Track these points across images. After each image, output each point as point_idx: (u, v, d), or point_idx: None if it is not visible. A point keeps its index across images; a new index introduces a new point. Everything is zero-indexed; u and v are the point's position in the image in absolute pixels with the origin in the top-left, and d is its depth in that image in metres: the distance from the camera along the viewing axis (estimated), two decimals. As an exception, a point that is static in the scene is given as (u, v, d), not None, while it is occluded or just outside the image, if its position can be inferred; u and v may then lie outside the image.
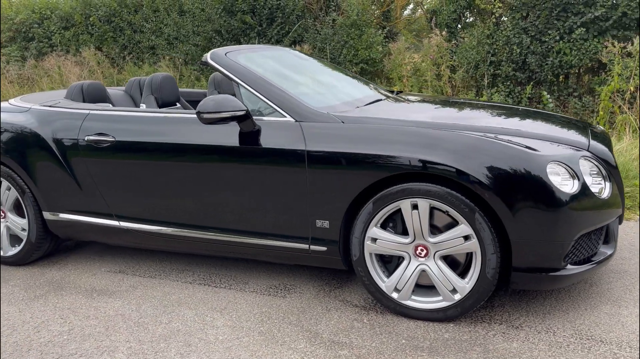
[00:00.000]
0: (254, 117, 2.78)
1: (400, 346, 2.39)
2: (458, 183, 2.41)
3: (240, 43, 9.27)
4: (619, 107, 6.40)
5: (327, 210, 2.65)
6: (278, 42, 9.11)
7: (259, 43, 9.14)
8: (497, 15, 7.75)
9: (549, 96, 6.96)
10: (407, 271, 2.58)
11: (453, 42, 7.58)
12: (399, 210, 2.55)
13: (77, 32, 11.00)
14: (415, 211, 2.48)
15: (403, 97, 3.56)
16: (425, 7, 8.43)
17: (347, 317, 2.67)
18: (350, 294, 2.92)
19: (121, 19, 10.49)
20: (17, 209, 3.50)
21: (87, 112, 3.22)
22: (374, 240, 2.60)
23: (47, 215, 3.35)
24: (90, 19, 10.63)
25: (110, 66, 10.17)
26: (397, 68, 7.77)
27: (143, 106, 3.56)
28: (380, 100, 3.28)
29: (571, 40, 7.33)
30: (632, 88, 6.68)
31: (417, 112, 3.13)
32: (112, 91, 3.97)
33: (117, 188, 3.11)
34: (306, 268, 3.25)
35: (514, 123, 2.88)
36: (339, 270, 3.16)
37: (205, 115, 2.66)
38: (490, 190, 2.34)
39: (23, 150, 3.29)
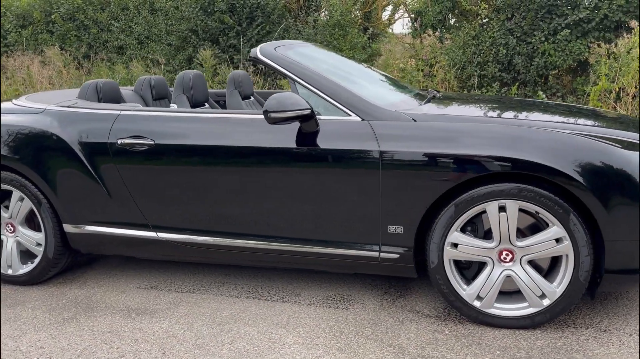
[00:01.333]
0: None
1: (496, 357, 2.25)
2: (550, 183, 2.30)
3: (218, 43, 8.95)
4: (614, 107, 6.56)
5: (402, 215, 2.48)
6: (258, 42, 8.85)
7: (238, 43, 8.86)
8: (482, 16, 7.80)
9: (544, 96, 7.06)
10: (491, 278, 2.44)
11: (446, 42, 7.57)
12: (479, 213, 2.41)
13: (35, 30, 10.33)
14: (503, 213, 2.35)
15: (445, 95, 3.43)
16: (409, 7, 8.38)
17: (425, 328, 2.51)
18: (416, 303, 2.76)
19: (86, 16, 9.92)
20: (29, 222, 3.14)
21: (118, 112, 2.91)
22: (455, 245, 2.45)
23: (68, 228, 3.00)
24: (52, 16, 9.99)
25: (75, 67, 9.57)
26: (386, 69, 7.69)
27: (174, 106, 3.27)
28: (434, 97, 3.14)
29: (555, 42, 7.47)
30: (616, 88, 6.87)
31: (483, 109, 2.99)
32: (122, 91, 3.65)
33: (155, 196, 2.83)
34: (356, 277, 3.07)
35: (584, 120, 2.79)
36: (394, 277, 3.00)
37: (272, 114, 2.43)
38: (587, 189, 2.24)
39: (41, 156, 2.93)
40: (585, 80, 7.42)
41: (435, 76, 7.19)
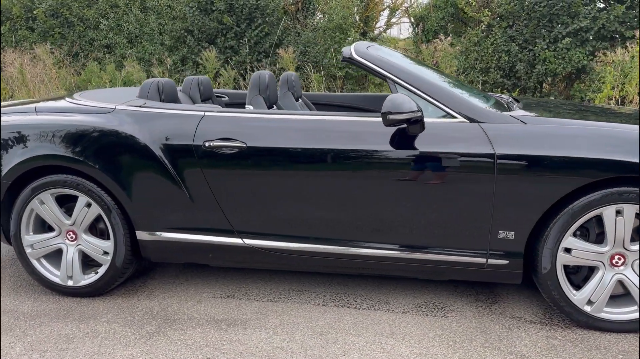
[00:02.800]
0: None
1: (622, 362, 2.25)
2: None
3: (215, 44, 8.75)
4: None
5: (515, 220, 2.45)
6: (256, 44, 8.71)
7: (237, 44, 8.68)
8: (485, 23, 7.94)
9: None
10: (603, 282, 2.44)
11: (457, 47, 7.65)
12: (591, 218, 2.41)
13: (13, 27, 9.81)
14: (620, 217, 2.35)
15: (522, 99, 3.41)
16: (411, 13, 8.44)
17: (535, 335, 2.48)
18: (513, 309, 2.73)
19: (71, 12, 9.50)
20: (90, 229, 2.93)
21: (202, 113, 2.75)
22: (568, 250, 2.44)
23: (142, 235, 2.82)
24: (35, 12, 9.52)
25: (60, 67, 9.14)
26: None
27: (250, 107, 3.13)
28: (519, 101, 3.13)
29: (556, 49, 7.67)
30: (617, 96, 7.11)
31: (579, 113, 2.97)
32: None
33: (243, 200, 2.69)
34: (440, 283, 3.01)
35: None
36: (477, 283, 2.97)
37: (391, 116, 2.35)
38: None
39: (115, 159, 2.74)
40: (587, 87, 7.64)
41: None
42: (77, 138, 2.77)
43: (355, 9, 8.65)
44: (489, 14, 7.85)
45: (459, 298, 2.86)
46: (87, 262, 2.96)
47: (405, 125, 2.46)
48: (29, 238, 2.91)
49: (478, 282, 2.98)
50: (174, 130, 2.73)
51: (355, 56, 2.70)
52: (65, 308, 2.82)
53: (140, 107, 2.86)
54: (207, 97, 3.75)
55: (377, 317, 2.67)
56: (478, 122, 2.49)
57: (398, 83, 2.61)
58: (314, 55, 8.55)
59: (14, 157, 2.82)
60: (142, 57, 9.03)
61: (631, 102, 6.79)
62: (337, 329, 2.55)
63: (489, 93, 3.54)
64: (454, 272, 2.63)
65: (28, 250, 2.92)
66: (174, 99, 3.27)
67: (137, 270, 3.26)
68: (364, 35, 8.88)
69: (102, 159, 2.75)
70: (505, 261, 2.51)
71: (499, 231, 2.48)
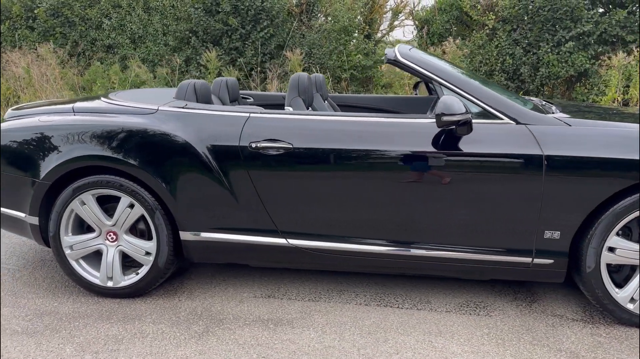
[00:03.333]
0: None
1: (670, 358, 2.31)
2: None
3: (220, 45, 8.74)
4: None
5: (561, 220, 2.50)
6: (262, 45, 8.72)
7: (242, 46, 8.68)
8: (490, 26, 8.04)
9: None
10: (646, 280, 2.50)
11: (465, 50, 7.73)
12: (634, 218, 2.47)
13: (13, 26, 9.71)
14: (662, 218, 2.42)
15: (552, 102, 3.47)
16: (415, 16, 8.51)
17: (580, 332, 2.53)
18: (553, 307, 2.79)
19: (72, 12, 9.43)
20: (130, 230, 2.93)
21: (247, 114, 2.77)
22: (612, 249, 2.49)
23: (185, 235, 2.82)
24: (36, 12, 9.43)
25: (63, 67, 9.05)
26: (399, 77, 7.77)
27: (290, 109, 3.14)
28: (553, 104, 3.19)
29: (559, 53, 7.80)
30: (619, 99, 7.25)
31: (617, 116, 3.04)
32: None
33: (288, 201, 2.71)
34: (476, 282, 3.06)
35: None
36: (515, 282, 3.02)
37: (445, 118, 2.39)
38: None
39: (160, 159, 2.74)
40: (588, 90, 7.77)
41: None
42: (122, 139, 2.76)
43: (360, 10, 8.69)
44: (494, 17, 7.95)
45: (498, 297, 2.91)
46: (125, 263, 2.95)
47: (453, 127, 2.50)
48: (68, 239, 2.90)
49: (515, 281, 3.03)
50: (219, 131, 2.74)
51: (400, 58, 2.73)
52: (106, 309, 2.81)
53: (182, 108, 2.86)
54: (234, 99, 3.77)
55: (421, 316, 2.70)
56: (524, 124, 2.54)
57: (444, 85, 2.65)
58: (320, 57, 8.58)
59: (55, 158, 2.81)
60: (146, 58, 8.99)
61: (635, 104, 6.93)
62: (385, 329, 2.58)
63: (524, 97, 3.59)
64: (498, 272, 2.67)
65: (67, 251, 2.91)
66: (208, 100, 3.28)
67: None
68: (368, 38, 8.94)
69: (147, 160, 2.75)
70: (550, 261, 2.56)
71: (545, 231, 2.53)
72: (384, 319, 2.68)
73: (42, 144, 2.86)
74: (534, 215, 2.51)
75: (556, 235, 2.52)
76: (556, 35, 7.80)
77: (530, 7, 7.79)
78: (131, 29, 9.22)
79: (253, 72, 8.55)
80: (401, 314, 2.73)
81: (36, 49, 8.37)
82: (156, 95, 3.38)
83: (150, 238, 2.87)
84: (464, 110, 2.41)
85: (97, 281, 2.92)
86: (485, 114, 2.60)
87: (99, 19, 9.36)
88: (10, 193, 2.97)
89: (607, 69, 7.15)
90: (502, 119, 2.57)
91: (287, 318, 2.70)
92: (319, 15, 9.44)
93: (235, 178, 2.72)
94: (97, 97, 3.27)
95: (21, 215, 2.95)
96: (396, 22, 9.42)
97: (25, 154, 2.89)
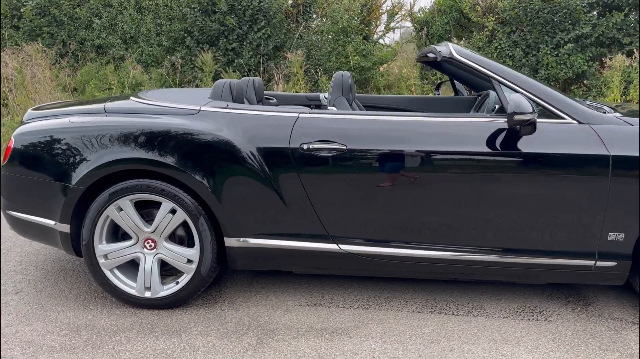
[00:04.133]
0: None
1: None
2: None
3: (217, 45, 8.55)
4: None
5: (626, 221, 2.44)
6: (259, 46, 8.57)
7: (239, 47, 8.52)
8: (489, 28, 8.05)
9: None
10: None
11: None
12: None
13: (-2, 25, 9.35)
14: None
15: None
16: (415, 17, 8.48)
17: (645, 336, 2.48)
18: (609, 310, 2.73)
19: (60, 11, 9.12)
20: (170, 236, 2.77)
21: (296, 115, 2.65)
22: (676, 251, 2.45)
23: (230, 242, 2.68)
24: (22, 10, 9.09)
25: (56, 67, 8.72)
26: (404, 78, 7.71)
27: (333, 109, 3.02)
28: (604, 104, 3.15)
29: (558, 55, 7.85)
30: (619, 100, 7.32)
31: None
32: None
33: (342, 205, 2.59)
34: (525, 286, 2.99)
35: None
36: (564, 284, 2.96)
37: (517, 117, 2.32)
38: None
39: (205, 162, 2.60)
40: (586, 92, 7.84)
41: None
42: (165, 141, 2.61)
43: (359, 10, 8.61)
44: (493, 19, 7.97)
45: (550, 301, 2.84)
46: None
47: (518, 126, 2.43)
48: (103, 247, 2.73)
49: (563, 284, 2.97)
50: (268, 132, 2.62)
51: (456, 56, 2.66)
52: (146, 322, 2.65)
53: (224, 108, 2.73)
54: (259, 99, 3.65)
55: (480, 323, 2.61)
56: (587, 123, 2.48)
57: (504, 83, 2.58)
58: (318, 59, 8.47)
59: (91, 161, 2.64)
60: (139, 59, 8.74)
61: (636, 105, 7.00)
62: (447, 337, 2.48)
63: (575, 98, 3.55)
64: (556, 275, 2.60)
65: (101, 261, 2.73)
66: (242, 101, 3.16)
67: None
68: (366, 39, 8.87)
69: (192, 163, 2.60)
70: (613, 263, 2.50)
71: (609, 233, 2.47)
72: (442, 327, 2.58)
73: (74, 147, 2.69)
74: (598, 217, 2.45)
75: (620, 237, 2.46)
76: (555, 37, 7.85)
77: (530, 9, 7.82)
78: (123, 28, 8.96)
79: (256, 74, 8.38)
80: (458, 321, 2.63)
81: (20, 50, 8.03)
82: (188, 95, 3.23)
83: (190, 245, 2.72)
84: (532, 109, 2.34)
85: (133, 292, 2.75)
86: (546, 113, 2.53)
87: (89, 18, 9.08)
88: (36, 199, 2.79)
89: (610, 71, 7.21)
90: (564, 119, 2.51)
91: (341, 327, 2.58)
92: (314, 16, 9.33)
93: (284, 181, 2.59)
94: (126, 97, 3.11)
95: (50, 222, 2.76)
96: (392, 24, 9.37)
97: (55, 157, 2.71)
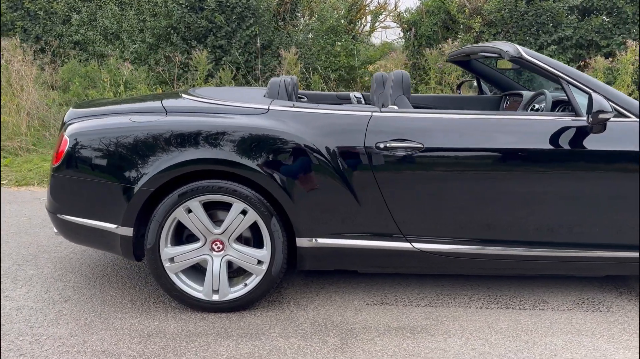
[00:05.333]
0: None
1: None
2: None
3: (203, 43, 8.39)
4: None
5: (687, 215, 2.57)
6: (247, 44, 8.46)
7: (228, 44, 8.38)
8: (476, 30, 8.25)
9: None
10: None
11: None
12: None
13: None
14: None
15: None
16: (403, 18, 8.59)
17: None
18: (662, 300, 2.87)
19: (35, 4, 8.71)
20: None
21: (369, 113, 2.64)
22: None
23: (302, 242, 2.64)
24: (-8, 4, 8.63)
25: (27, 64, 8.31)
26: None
27: (394, 107, 3.02)
28: None
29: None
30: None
31: None
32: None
33: (416, 203, 2.61)
34: (574, 278, 3.09)
35: None
36: (609, 277, 3.09)
37: (602, 115, 2.40)
38: None
39: (279, 162, 2.55)
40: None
41: (452, 84, 7.42)
42: (239, 140, 2.55)
43: (348, 9, 8.64)
44: (481, 21, 8.17)
45: (604, 292, 2.95)
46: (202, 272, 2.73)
47: (589, 125, 2.51)
48: (169, 250, 2.64)
49: (609, 276, 3.09)
50: (342, 131, 2.60)
51: (525, 56, 2.72)
52: (218, 326, 2.58)
53: (292, 107, 2.69)
54: (293, 97, 3.61)
55: (549, 316, 2.69)
56: (650, 121, 2.59)
57: (572, 83, 2.65)
58: (308, 57, 8.45)
59: (159, 162, 2.55)
60: (121, 56, 8.45)
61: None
62: (525, 331, 2.54)
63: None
64: (616, 267, 2.71)
65: (167, 264, 2.64)
66: (291, 99, 3.12)
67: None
68: (354, 39, 8.91)
69: (267, 163, 2.55)
70: (675, 256, 2.63)
71: (671, 227, 2.59)
72: (515, 321, 2.64)
73: (140, 147, 2.58)
74: (660, 211, 2.57)
75: (680, 230, 2.59)
76: (539, 39, 8.14)
77: (515, 11, 8.07)
78: (103, 24, 8.65)
79: (250, 72, 8.27)
80: (528, 315, 2.70)
81: None
82: (239, 93, 3.17)
83: (256, 246, 2.68)
84: (611, 109, 2.42)
85: (200, 296, 2.67)
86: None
87: (67, 13, 8.71)
88: (94, 202, 2.66)
89: (592, 71, 7.54)
90: (629, 117, 2.61)
91: (418, 325, 2.60)
92: (300, 15, 9.30)
93: (358, 180, 2.58)
94: (177, 95, 3.02)
95: (109, 226, 2.64)
96: (377, 24, 9.46)
97: (117, 158, 2.60)
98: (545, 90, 3.16)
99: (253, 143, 2.55)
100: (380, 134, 2.58)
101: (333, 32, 8.44)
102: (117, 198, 2.60)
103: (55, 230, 2.87)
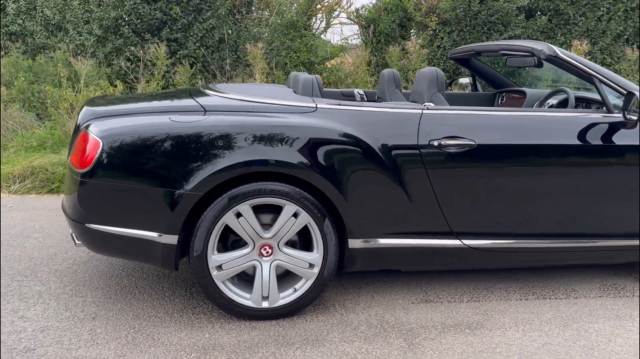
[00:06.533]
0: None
1: None
2: None
3: (158, 36, 8.00)
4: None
5: None
6: (203, 37, 8.17)
7: (183, 37, 8.04)
8: (432, 28, 8.48)
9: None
10: None
11: (425, 49, 8.01)
12: None
13: None
14: None
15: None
16: (361, 16, 8.64)
17: None
18: (674, 283, 3.10)
19: (-39, -9, 7.91)
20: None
21: (420, 111, 2.63)
22: None
23: (354, 243, 2.59)
24: None
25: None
26: (360, 74, 7.84)
27: (431, 104, 3.01)
28: None
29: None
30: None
31: None
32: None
33: (467, 200, 2.63)
34: (587, 266, 3.27)
35: None
36: (617, 265, 3.29)
37: (646, 113, 2.53)
38: None
39: (334, 162, 2.48)
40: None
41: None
42: (294, 140, 2.45)
43: (307, 5, 8.57)
44: (436, 19, 8.40)
45: (621, 278, 3.14)
46: (246, 279, 2.64)
47: (623, 120, 2.67)
48: (216, 257, 2.49)
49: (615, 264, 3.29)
50: (395, 129, 2.57)
51: (561, 55, 2.81)
52: (274, 334, 2.47)
53: (340, 106, 2.63)
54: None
55: (585, 304, 2.82)
56: (673, 117, 2.78)
57: (604, 81, 2.78)
58: (268, 53, 8.30)
59: (209, 165, 2.39)
60: (67, 49, 7.86)
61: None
62: (572, 319, 2.65)
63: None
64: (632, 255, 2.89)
65: (214, 272, 2.49)
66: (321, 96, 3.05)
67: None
68: (313, 35, 8.86)
69: (321, 163, 2.47)
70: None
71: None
72: (557, 311, 2.74)
73: (185, 148, 2.41)
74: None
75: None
76: (491, 37, 8.50)
77: (469, 11, 8.37)
78: (44, 14, 8.00)
79: (203, 66, 7.97)
80: (566, 304, 2.81)
81: None
82: (269, 90, 3.04)
83: (304, 249, 2.60)
84: (650, 107, 2.58)
85: (249, 303, 2.55)
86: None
87: (1, 1, 7.97)
88: (132, 209, 2.45)
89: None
90: (656, 113, 2.78)
91: (472, 321, 2.63)
92: (254, 9, 9.11)
93: (411, 178, 2.57)
94: (199, 92, 2.85)
95: (151, 234, 2.45)
96: (332, 20, 9.45)
97: (160, 161, 2.41)
98: (565, 88, 3.30)
99: (308, 143, 2.46)
100: (432, 132, 2.58)
101: (293, 27, 8.34)
102: (160, 204, 2.42)
103: (78, 241, 2.62)
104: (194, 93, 2.88)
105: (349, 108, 2.61)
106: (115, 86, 6.73)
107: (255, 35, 8.35)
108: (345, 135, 2.50)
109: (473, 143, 2.58)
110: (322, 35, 9.52)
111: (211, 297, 2.52)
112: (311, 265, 2.57)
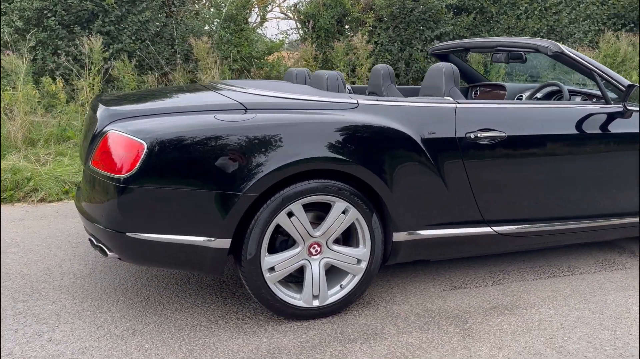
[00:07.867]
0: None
1: None
2: None
3: (88, 29, 7.45)
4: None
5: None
6: (138, 30, 7.73)
7: (116, 30, 7.56)
8: (370, 24, 8.67)
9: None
10: None
11: (370, 45, 8.14)
12: None
13: None
14: None
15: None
16: (301, 11, 8.63)
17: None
18: (652, 255, 3.49)
19: None
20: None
21: (454, 105, 2.72)
22: None
23: (400, 236, 2.63)
24: None
25: None
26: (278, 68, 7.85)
27: (449, 99, 3.09)
28: None
29: (423, 50, 8.92)
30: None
31: None
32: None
33: (498, 189, 2.78)
34: (578, 246, 3.58)
35: None
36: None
37: (647, 105, 2.81)
38: None
39: (382, 157, 2.50)
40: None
41: (361, 76, 7.71)
42: (344, 137, 2.44)
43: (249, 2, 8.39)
44: (373, 15, 8.61)
45: (607, 253, 3.47)
46: (287, 279, 2.61)
47: (623, 110, 2.96)
48: (269, 259, 2.43)
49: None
50: (434, 123, 2.65)
51: (566, 52, 3.04)
52: (331, 332, 2.46)
53: (380, 101, 2.66)
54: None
55: (592, 279, 3.09)
56: (660, 107, 3.13)
57: (602, 76, 3.05)
58: (217, 48, 8.03)
59: (264, 164, 2.32)
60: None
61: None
62: (590, 293, 2.89)
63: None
64: (629, 232, 3.23)
65: (267, 274, 2.43)
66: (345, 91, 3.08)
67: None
68: (253, 29, 8.70)
69: (369, 158, 2.48)
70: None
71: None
72: (573, 287, 2.98)
73: (237, 148, 2.31)
74: (670, 182, 3.13)
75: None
76: (423, 34, 8.88)
77: (403, 8, 8.67)
78: (-48, 3, 7.13)
79: (138, 62, 7.53)
80: (577, 280, 3.07)
81: None
82: (287, 86, 2.99)
83: (346, 244, 2.62)
84: (649, 99, 2.88)
85: (300, 303, 2.52)
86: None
87: None
88: (179, 215, 2.31)
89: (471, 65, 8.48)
90: (641, 104, 3.11)
91: (506, 302, 2.79)
92: (187, 1, 8.76)
93: (450, 170, 2.66)
94: (219, 88, 2.75)
95: (202, 239, 2.33)
96: (267, 14, 9.32)
97: (213, 162, 2.29)
98: (556, 81, 3.57)
99: (356, 139, 2.46)
100: (467, 124, 2.69)
101: (232, 20, 8.14)
102: (211, 208, 2.30)
103: (111, 253, 2.42)
104: (213, 89, 2.76)
105: (388, 104, 2.64)
106: (56, 83, 6.18)
107: (194, 29, 8.04)
108: (390, 129, 2.53)
109: (503, 134, 2.72)
110: (258, 30, 9.37)
111: (262, 299, 2.45)
112: (359, 261, 2.58)
